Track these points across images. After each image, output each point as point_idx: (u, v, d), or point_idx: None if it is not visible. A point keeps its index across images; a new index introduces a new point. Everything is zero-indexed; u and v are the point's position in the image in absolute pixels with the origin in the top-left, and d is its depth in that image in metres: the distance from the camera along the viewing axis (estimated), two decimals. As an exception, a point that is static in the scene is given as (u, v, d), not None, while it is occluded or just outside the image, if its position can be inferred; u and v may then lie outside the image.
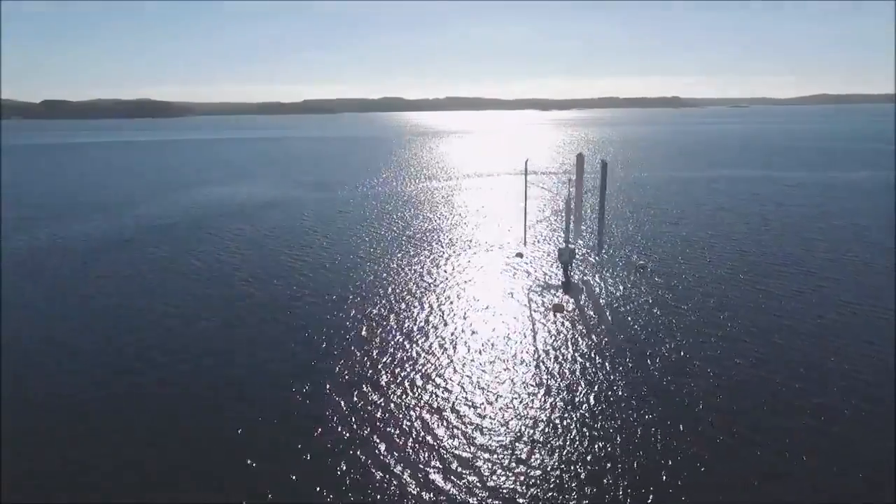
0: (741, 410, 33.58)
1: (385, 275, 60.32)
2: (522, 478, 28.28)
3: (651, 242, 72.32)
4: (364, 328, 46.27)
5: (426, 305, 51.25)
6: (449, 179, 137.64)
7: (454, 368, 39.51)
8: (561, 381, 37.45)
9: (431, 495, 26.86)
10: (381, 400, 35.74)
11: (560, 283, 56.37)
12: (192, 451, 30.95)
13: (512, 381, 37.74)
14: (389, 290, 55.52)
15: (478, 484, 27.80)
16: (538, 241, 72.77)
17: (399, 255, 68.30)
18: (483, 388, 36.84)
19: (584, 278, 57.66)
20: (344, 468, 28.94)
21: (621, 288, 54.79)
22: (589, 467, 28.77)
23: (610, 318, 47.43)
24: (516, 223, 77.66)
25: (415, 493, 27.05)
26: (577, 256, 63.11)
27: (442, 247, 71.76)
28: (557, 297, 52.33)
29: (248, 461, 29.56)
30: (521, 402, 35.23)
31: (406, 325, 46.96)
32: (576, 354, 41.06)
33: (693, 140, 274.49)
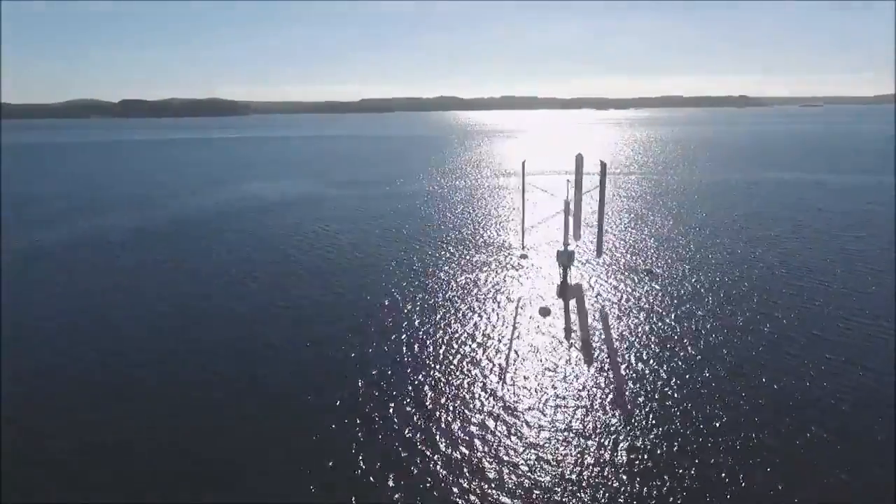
0: (738, 416, 34.33)
1: (409, 273, 63.49)
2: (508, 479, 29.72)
3: (666, 247, 72.22)
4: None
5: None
6: (496, 177, 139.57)
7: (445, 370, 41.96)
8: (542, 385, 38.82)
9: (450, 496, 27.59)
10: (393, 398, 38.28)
11: (555, 285, 57.26)
12: (208, 452, 31.24)
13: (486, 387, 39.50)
14: (414, 289, 58.60)
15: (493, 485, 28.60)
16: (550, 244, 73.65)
17: (429, 254, 71.26)
18: (458, 392, 38.84)
19: (580, 281, 58.47)
20: (363, 467, 29.68)
21: (618, 292, 55.59)
22: (572, 472, 29.39)
23: (599, 322, 48.50)
24: (537, 224, 78.71)
25: (432, 492, 27.85)
26: (579, 259, 63.81)
27: (456, 248, 74.23)
28: (545, 300, 53.21)
29: (264, 463, 30.10)
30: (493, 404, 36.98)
31: (417, 331, 49.17)
32: (557, 360, 42.15)
33: (753, 141, 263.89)
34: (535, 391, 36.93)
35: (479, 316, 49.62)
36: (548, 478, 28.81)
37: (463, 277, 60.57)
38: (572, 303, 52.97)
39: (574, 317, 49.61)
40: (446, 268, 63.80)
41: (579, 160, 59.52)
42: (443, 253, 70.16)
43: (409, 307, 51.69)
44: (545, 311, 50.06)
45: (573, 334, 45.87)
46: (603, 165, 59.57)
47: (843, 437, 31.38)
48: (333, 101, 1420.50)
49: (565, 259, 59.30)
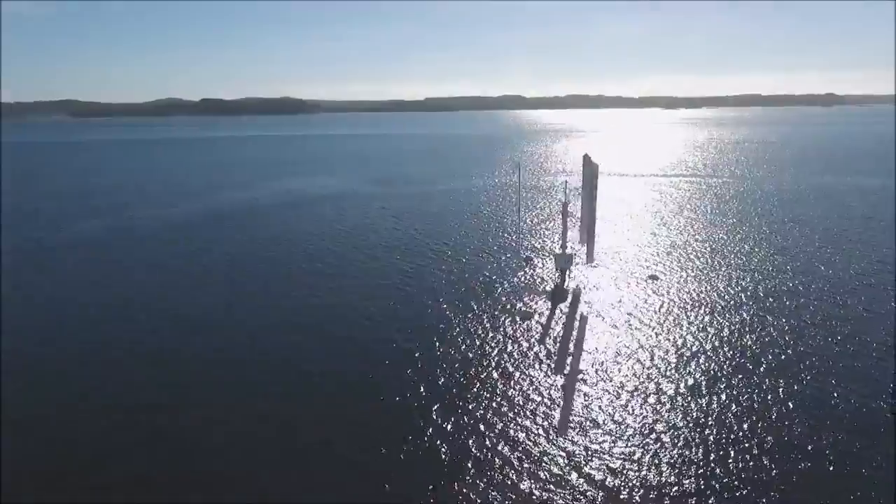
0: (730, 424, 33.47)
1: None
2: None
3: (678, 252, 69.27)
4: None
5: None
6: (553, 176, 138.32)
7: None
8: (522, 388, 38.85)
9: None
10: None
11: (548, 289, 56.17)
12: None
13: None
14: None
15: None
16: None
17: (428, 254, 72.06)
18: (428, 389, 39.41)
19: (577, 285, 57.11)
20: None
21: (615, 296, 54.09)
22: (564, 473, 29.32)
23: (586, 326, 47.51)
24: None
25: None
26: (578, 263, 62.38)
27: (467, 251, 74.33)
28: (533, 304, 52.32)
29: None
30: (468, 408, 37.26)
31: (412, 330, 50.32)
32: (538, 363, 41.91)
33: (832, 142, 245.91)
34: (513, 397, 36.43)
35: (465, 319, 49.73)
36: (537, 478, 28.77)
37: (456, 281, 60.69)
38: (564, 306, 51.98)
39: (563, 321, 48.68)
40: (443, 268, 64.14)
41: (586, 161, 58.30)
42: (446, 255, 70.52)
43: (408, 302, 52.67)
44: (527, 315, 49.11)
45: (558, 339, 45.12)
46: (594, 166, 58.14)
47: (845, 443, 30.12)
48: (398, 100, 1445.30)
49: (563, 262, 58.36)
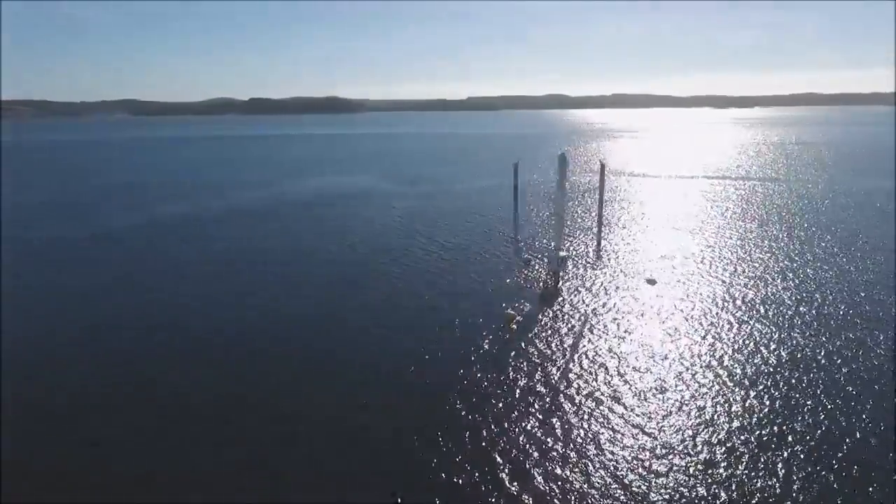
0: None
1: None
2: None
3: (692, 257, 67.15)
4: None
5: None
6: (586, 175, 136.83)
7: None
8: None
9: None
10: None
11: (540, 292, 55.56)
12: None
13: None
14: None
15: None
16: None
17: (425, 256, 72.38)
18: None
19: (570, 287, 56.26)
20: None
21: (608, 300, 52.77)
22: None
23: (574, 331, 46.48)
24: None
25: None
26: (573, 266, 61.36)
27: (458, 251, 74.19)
28: (517, 307, 51.16)
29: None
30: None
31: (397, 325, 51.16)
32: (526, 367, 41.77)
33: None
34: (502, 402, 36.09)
35: (445, 322, 49.57)
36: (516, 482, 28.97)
37: (441, 283, 60.70)
38: (553, 310, 51.17)
39: (546, 324, 47.55)
40: (436, 262, 64.31)
41: (601, 168, 57.45)
42: (434, 254, 70.69)
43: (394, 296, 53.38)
44: (510, 318, 48.43)
45: (538, 342, 44.00)
46: (602, 167, 57.36)
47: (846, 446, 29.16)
48: (441, 99, 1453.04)
49: (556, 265, 57.63)
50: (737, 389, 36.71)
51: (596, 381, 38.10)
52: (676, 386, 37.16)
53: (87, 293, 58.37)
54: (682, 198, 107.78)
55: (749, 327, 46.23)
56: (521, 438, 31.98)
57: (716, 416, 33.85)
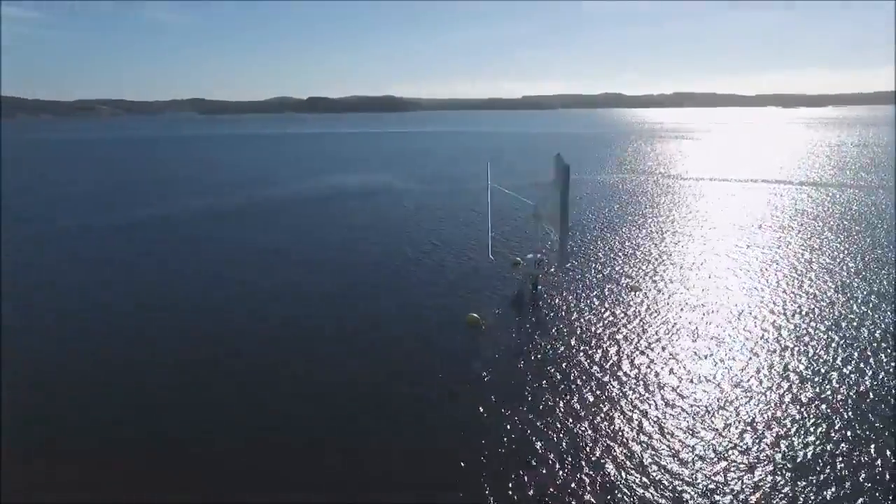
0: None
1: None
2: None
3: (681, 265, 64.85)
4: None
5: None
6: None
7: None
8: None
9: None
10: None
11: (514, 296, 54.84)
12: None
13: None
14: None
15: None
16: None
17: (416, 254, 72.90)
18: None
19: (546, 292, 55.30)
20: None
21: (585, 307, 51.38)
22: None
23: (549, 335, 45.66)
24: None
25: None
26: (551, 270, 60.12)
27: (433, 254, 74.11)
28: (489, 311, 50.15)
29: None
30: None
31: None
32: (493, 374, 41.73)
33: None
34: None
35: (409, 325, 49.86)
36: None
37: (414, 284, 61.11)
38: (521, 315, 50.54)
39: (521, 329, 46.88)
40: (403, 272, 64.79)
41: (560, 162, 56.38)
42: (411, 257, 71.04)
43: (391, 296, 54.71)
44: (474, 321, 47.86)
45: (511, 348, 43.12)
46: (566, 168, 56.09)
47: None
48: (496, 98, 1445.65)
49: (531, 268, 56.59)
50: (713, 398, 35.54)
51: (551, 390, 36.94)
52: (640, 396, 36.08)
53: (130, 275, 62.96)
54: (706, 202, 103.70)
55: (732, 339, 44.28)
56: (454, 442, 31.55)
57: (679, 423, 32.96)
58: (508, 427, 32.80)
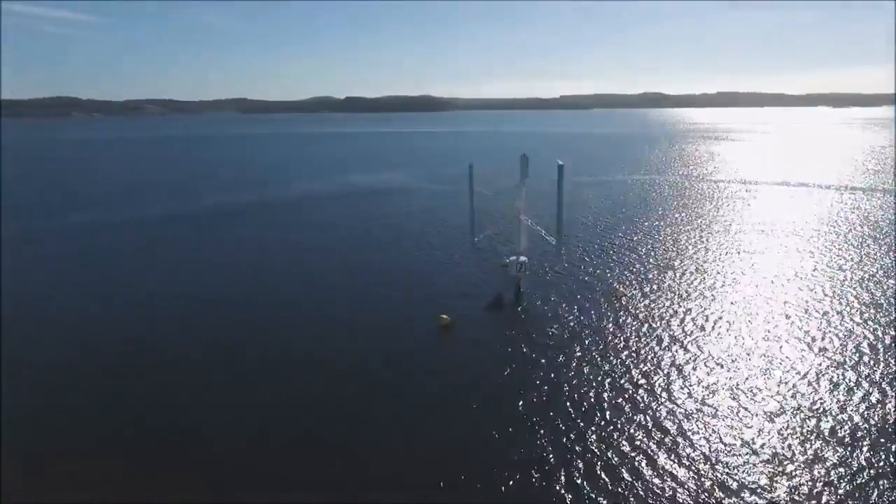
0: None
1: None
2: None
3: (676, 272, 62.13)
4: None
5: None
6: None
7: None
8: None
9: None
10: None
11: (496, 296, 53.48)
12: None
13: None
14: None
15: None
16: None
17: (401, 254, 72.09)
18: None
19: (528, 294, 53.67)
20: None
21: (564, 310, 49.75)
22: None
23: (529, 336, 44.49)
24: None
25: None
26: (534, 272, 58.33)
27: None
28: (453, 311, 49.07)
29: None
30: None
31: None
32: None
33: None
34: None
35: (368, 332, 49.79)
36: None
37: (398, 284, 60.37)
38: (508, 316, 49.34)
39: (483, 330, 45.71)
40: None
41: (524, 161, 55.35)
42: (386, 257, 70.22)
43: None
44: (444, 323, 46.87)
45: (464, 351, 42.16)
46: (560, 167, 54.64)
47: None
48: (533, 98, 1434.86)
49: (514, 269, 55.24)
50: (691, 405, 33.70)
51: (527, 391, 36.01)
52: (620, 398, 34.90)
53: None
54: (727, 205, 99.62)
55: (715, 346, 42.23)
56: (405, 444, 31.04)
57: (655, 425, 31.35)
58: (488, 429, 31.70)
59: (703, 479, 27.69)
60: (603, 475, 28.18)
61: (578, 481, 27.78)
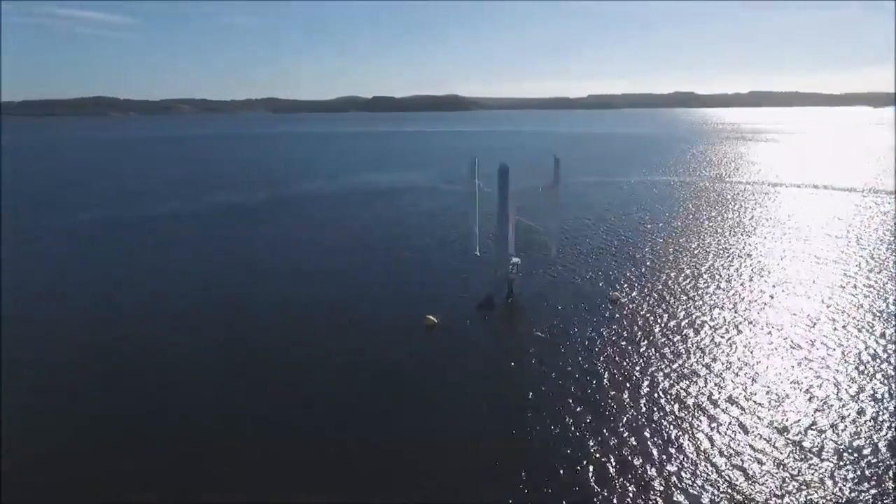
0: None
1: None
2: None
3: (668, 277, 61.85)
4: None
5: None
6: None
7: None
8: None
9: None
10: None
11: (487, 297, 54.03)
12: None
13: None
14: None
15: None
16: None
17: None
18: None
19: (519, 296, 54.05)
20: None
21: (556, 315, 49.77)
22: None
23: (484, 341, 45.19)
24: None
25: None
26: (530, 274, 58.45)
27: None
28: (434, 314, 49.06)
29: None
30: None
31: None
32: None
33: None
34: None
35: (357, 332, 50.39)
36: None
37: (392, 284, 61.34)
38: (485, 317, 50.00)
39: (472, 333, 46.12)
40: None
41: (503, 166, 55.21)
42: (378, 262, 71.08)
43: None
44: (431, 324, 47.16)
45: (452, 354, 42.45)
46: (556, 161, 55.06)
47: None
48: (561, 98, 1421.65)
49: (506, 271, 55.48)
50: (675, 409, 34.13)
51: (517, 390, 36.40)
52: (610, 400, 35.35)
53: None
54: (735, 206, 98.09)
55: (715, 348, 42.29)
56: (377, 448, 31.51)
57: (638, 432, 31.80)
58: (478, 429, 32.46)
59: (695, 481, 28.14)
60: (590, 476, 28.55)
61: (566, 480, 28.23)
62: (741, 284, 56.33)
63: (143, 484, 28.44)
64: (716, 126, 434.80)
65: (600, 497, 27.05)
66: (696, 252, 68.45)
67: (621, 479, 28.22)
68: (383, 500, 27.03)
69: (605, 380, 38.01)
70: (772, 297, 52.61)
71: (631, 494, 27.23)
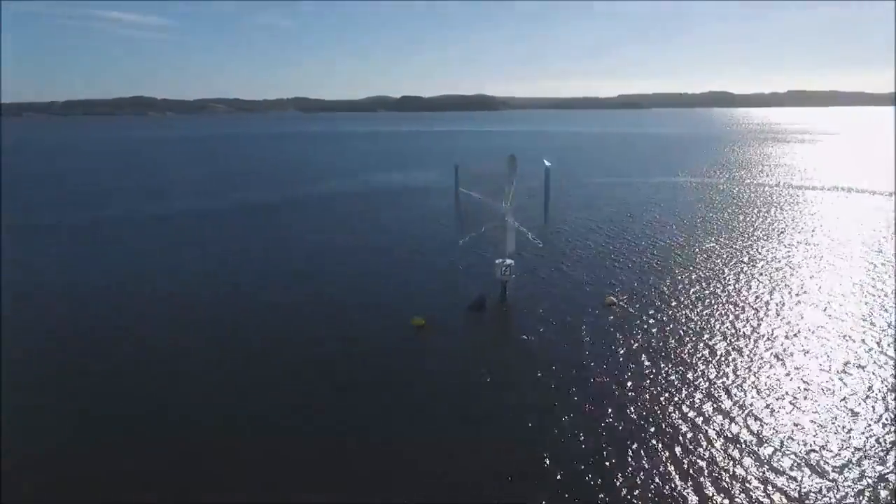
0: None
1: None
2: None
3: (666, 281, 61.14)
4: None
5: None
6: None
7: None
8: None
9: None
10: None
11: (479, 298, 54.11)
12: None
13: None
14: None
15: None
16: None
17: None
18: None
19: (511, 298, 54.15)
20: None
21: (549, 318, 49.71)
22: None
23: (474, 344, 45.24)
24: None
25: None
26: (522, 276, 58.39)
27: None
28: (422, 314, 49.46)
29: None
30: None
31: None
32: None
33: None
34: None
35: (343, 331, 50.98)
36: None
37: (384, 285, 61.96)
38: (488, 318, 50.30)
39: (457, 335, 46.57)
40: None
41: (512, 162, 55.70)
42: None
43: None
44: (418, 323, 47.74)
45: (436, 355, 42.75)
46: (547, 168, 55.56)
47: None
48: (590, 98, 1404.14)
49: (500, 272, 55.66)
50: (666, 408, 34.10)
51: (512, 391, 36.57)
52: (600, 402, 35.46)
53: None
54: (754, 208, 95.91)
55: (702, 349, 42.04)
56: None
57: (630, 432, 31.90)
58: (469, 429, 32.88)
59: (689, 480, 28.28)
60: (587, 475, 28.72)
61: (563, 480, 28.38)
62: (747, 290, 55.27)
63: (143, 484, 28.54)
64: (750, 126, 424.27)
65: (596, 496, 27.17)
66: (701, 257, 67.34)
67: (616, 479, 28.28)
68: (383, 500, 27.28)
69: (597, 382, 37.96)
70: (781, 305, 51.44)
71: (624, 493, 27.29)
